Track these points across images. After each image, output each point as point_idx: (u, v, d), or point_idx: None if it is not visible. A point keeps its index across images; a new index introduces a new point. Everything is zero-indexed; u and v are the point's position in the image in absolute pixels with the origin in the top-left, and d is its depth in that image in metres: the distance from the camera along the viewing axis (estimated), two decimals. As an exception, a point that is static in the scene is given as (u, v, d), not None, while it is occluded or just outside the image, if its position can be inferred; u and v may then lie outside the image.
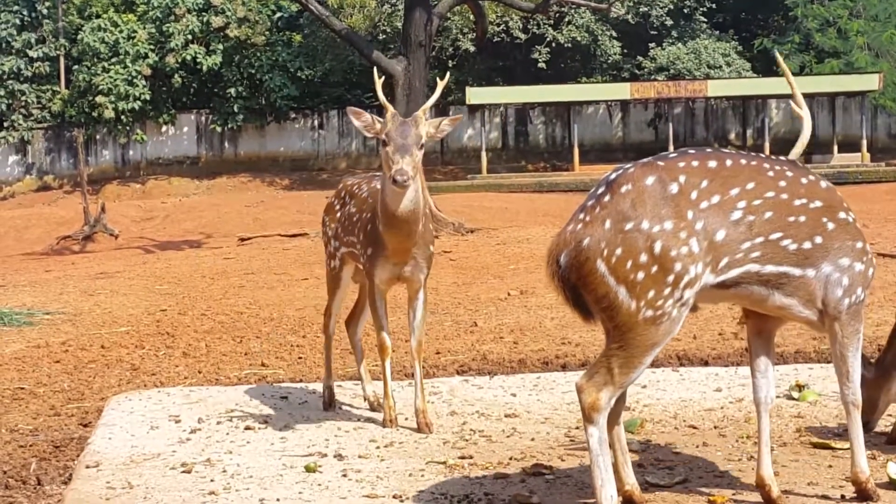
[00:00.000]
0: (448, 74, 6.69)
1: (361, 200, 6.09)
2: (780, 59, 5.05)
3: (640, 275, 4.01)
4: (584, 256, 4.05)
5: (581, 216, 4.14)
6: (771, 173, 4.23)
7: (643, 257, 4.01)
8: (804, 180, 4.28)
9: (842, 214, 4.31)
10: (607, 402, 4.08)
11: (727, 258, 4.12)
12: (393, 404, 5.88)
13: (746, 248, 4.14)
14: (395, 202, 5.56)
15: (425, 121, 5.58)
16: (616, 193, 4.09)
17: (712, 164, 4.18)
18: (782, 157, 4.44)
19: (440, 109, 35.18)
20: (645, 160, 4.23)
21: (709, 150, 4.31)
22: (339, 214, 6.33)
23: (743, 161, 4.24)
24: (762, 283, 4.21)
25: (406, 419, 5.98)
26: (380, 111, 5.82)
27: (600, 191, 4.16)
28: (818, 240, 4.23)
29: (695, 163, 4.17)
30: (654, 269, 4.01)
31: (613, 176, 4.18)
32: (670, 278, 4.02)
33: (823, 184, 4.34)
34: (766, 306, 4.33)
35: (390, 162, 5.39)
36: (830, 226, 4.26)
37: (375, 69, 6.81)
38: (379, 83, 6.07)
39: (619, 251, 4.02)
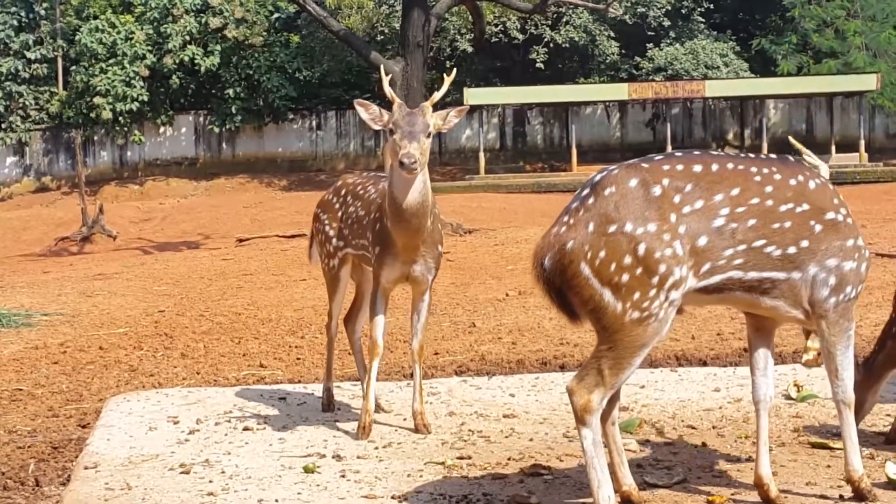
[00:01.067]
0: (454, 70, 6.63)
1: (369, 202, 5.99)
2: None
3: (625, 277, 4.01)
4: (568, 259, 4.05)
5: (565, 219, 4.13)
6: (758, 178, 4.20)
7: (627, 259, 4.01)
8: (793, 182, 4.25)
9: (830, 215, 4.27)
10: (599, 404, 4.08)
11: (709, 264, 4.11)
12: (371, 409, 5.74)
13: (729, 255, 4.12)
14: (403, 192, 5.47)
15: (432, 112, 5.56)
16: (600, 196, 4.09)
17: (697, 168, 4.16)
18: (773, 156, 4.41)
19: (438, 110, 35.09)
20: (630, 162, 4.22)
21: (696, 152, 4.29)
22: (340, 214, 6.23)
23: (730, 165, 4.21)
24: (746, 289, 4.20)
25: (405, 420, 5.98)
26: (386, 108, 5.79)
27: (584, 193, 4.15)
28: (804, 243, 4.21)
29: (679, 166, 4.15)
30: (639, 270, 4.01)
31: (598, 178, 4.17)
32: (655, 280, 4.01)
33: (812, 184, 4.29)
34: (753, 309, 4.34)
35: (397, 148, 5.32)
36: (818, 228, 4.24)
37: (382, 67, 6.75)
38: (386, 79, 6.05)
39: (602, 254, 4.02)
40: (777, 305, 4.28)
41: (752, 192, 4.17)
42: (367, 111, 5.60)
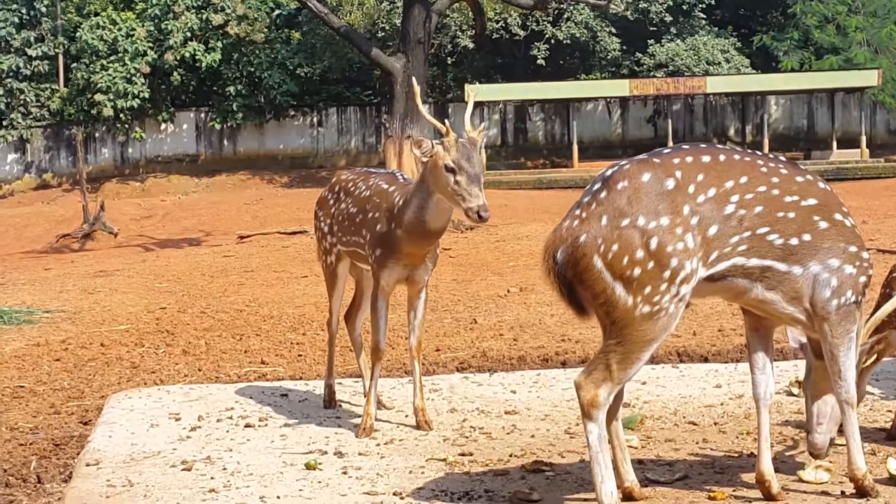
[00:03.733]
0: (477, 84, 6.50)
1: (362, 199, 5.96)
2: None
3: (637, 271, 4.03)
4: (581, 253, 4.07)
5: (577, 212, 4.15)
6: (764, 169, 4.26)
7: (640, 253, 4.03)
8: (800, 178, 4.30)
9: (838, 216, 4.31)
10: (606, 399, 4.09)
11: (717, 252, 4.15)
12: (372, 412, 5.74)
13: (735, 241, 4.17)
14: (440, 220, 5.47)
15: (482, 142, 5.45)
16: (612, 190, 4.11)
17: (706, 158, 4.22)
18: (781, 157, 4.46)
19: (439, 107, 35.16)
20: (640, 156, 4.26)
21: (703, 145, 4.34)
22: (333, 210, 6.24)
23: (736, 157, 4.28)
24: (746, 276, 4.23)
25: (406, 416, 5.99)
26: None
27: (596, 187, 4.17)
28: (806, 237, 4.24)
29: (689, 158, 4.20)
30: (651, 264, 4.03)
31: (609, 172, 4.20)
32: (667, 274, 4.03)
33: (821, 185, 4.35)
34: (747, 299, 4.34)
35: (466, 194, 5.23)
36: (823, 225, 4.27)
37: (418, 98, 6.26)
38: (424, 109, 5.97)
39: (615, 247, 4.04)
40: (774, 299, 4.29)
41: (760, 180, 4.22)
42: (419, 149, 5.41)
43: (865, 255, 4.38)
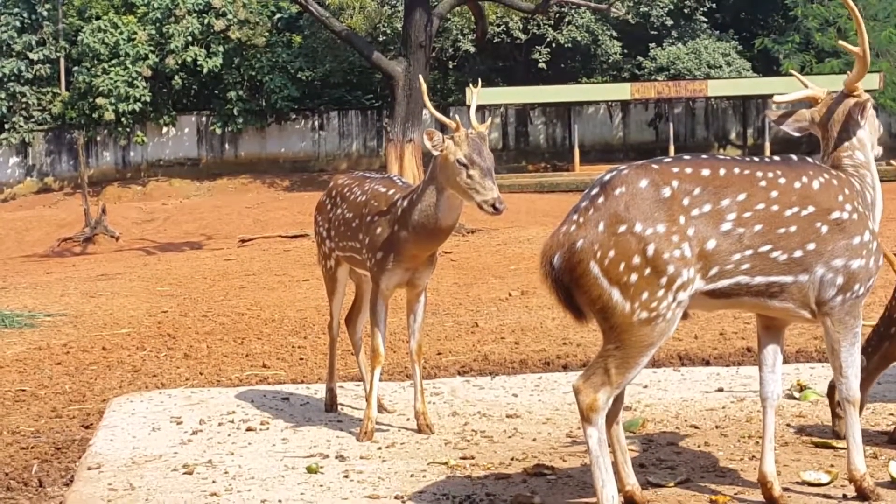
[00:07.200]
0: (479, 82, 6.57)
1: (358, 204, 5.97)
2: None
3: (634, 277, 4.02)
4: (578, 258, 4.07)
5: (575, 217, 4.14)
6: (763, 182, 4.21)
7: (636, 259, 4.02)
8: (797, 184, 4.25)
9: (835, 214, 4.27)
10: (605, 403, 4.09)
11: (717, 268, 4.12)
12: (373, 416, 5.75)
13: (736, 259, 4.13)
14: (452, 216, 5.53)
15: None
16: (610, 195, 4.10)
17: (706, 172, 4.18)
18: (777, 158, 4.41)
19: (441, 111, 35.13)
20: (640, 163, 4.24)
21: (704, 156, 4.30)
22: (330, 215, 6.25)
23: (736, 170, 4.22)
24: (754, 294, 4.21)
25: (408, 420, 5.99)
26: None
27: (594, 192, 4.16)
28: (810, 246, 4.22)
29: (688, 169, 4.17)
30: (647, 271, 4.02)
31: (607, 177, 4.19)
32: (663, 280, 4.03)
33: (816, 183, 4.29)
34: (763, 312, 4.35)
35: (479, 187, 5.31)
36: (824, 230, 4.24)
37: (427, 97, 6.29)
38: (432, 106, 6.02)
39: (612, 253, 4.03)
40: (786, 307, 4.29)
41: (758, 197, 4.18)
42: (430, 140, 5.46)
43: (868, 237, 4.30)
